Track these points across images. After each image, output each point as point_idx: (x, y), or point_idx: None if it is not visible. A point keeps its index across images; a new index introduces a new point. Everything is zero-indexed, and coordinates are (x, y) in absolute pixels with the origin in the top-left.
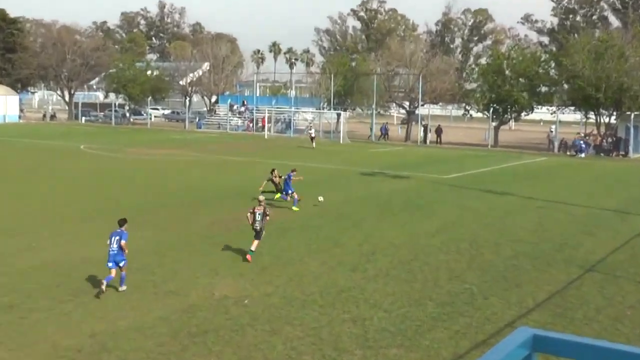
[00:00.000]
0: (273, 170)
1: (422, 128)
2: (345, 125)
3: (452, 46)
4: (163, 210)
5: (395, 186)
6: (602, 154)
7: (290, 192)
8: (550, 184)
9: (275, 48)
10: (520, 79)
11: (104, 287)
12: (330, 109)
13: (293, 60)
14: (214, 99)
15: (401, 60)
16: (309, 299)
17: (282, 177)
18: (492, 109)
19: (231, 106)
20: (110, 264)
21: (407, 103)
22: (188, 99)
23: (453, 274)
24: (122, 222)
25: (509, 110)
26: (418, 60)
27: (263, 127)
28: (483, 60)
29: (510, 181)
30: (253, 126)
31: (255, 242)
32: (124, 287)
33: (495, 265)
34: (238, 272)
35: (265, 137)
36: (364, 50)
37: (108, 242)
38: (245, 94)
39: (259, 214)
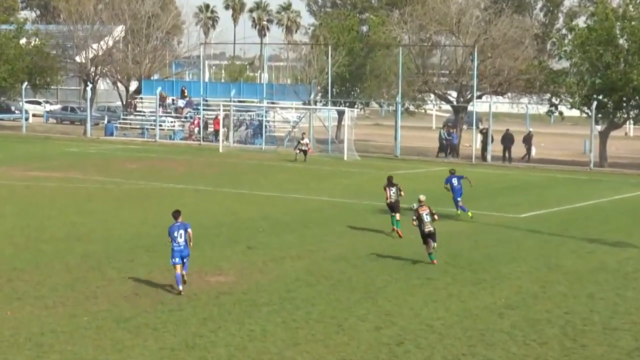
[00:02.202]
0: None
1: (480, 135)
2: (352, 130)
3: None
4: (44, 271)
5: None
6: None
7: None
8: None
9: (235, 3)
10: None
11: (181, 287)
12: (327, 104)
13: (265, 23)
14: (133, 86)
15: (443, 24)
16: None
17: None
18: (595, 104)
19: (163, 98)
20: (176, 259)
21: (455, 94)
22: (90, 86)
23: None
24: (177, 214)
25: (624, 105)
26: (471, 22)
27: (216, 133)
28: (580, 22)
29: (630, 224)
30: (200, 132)
31: (433, 244)
32: (182, 287)
33: None
34: None
35: (220, 149)
36: (381, 6)
37: (170, 238)
38: (187, 79)
39: (426, 215)
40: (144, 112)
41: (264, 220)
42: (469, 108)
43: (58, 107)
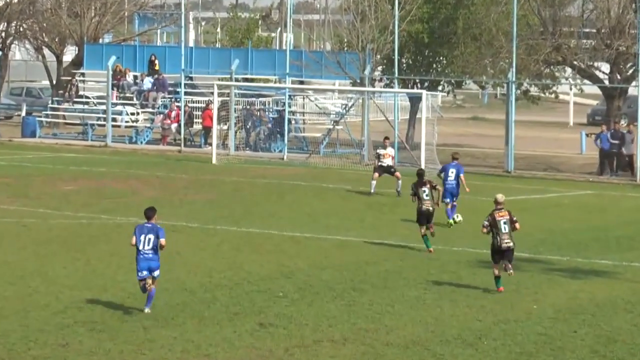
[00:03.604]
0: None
1: None
2: (433, 128)
3: None
4: None
5: (575, 300)
6: None
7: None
8: None
9: None
10: None
11: (147, 309)
12: (392, 84)
13: None
14: (70, 55)
15: None
16: None
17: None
18: None
19: (119, 75)
20: (144, 273)
21: (607, 68)
22: None
23: None
24: (151, 212)
25: None
26: None
27: (207, 132)
28: None
29: None
30: (180, 131)
31: (504, 262)
32: (148, 309)
33: None
34: None
35: (214, 160)
36: None
37: (134, 241)
38: (158, 43)
39: (504, 223)
40: (88, 97)
41: (287, 278)
42: (630, 91)
43: None
